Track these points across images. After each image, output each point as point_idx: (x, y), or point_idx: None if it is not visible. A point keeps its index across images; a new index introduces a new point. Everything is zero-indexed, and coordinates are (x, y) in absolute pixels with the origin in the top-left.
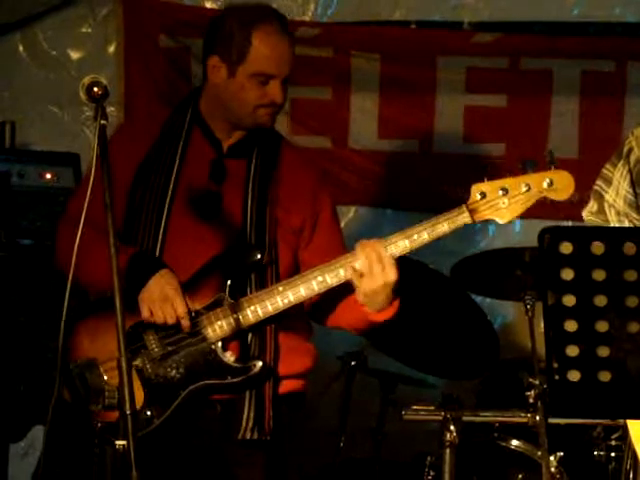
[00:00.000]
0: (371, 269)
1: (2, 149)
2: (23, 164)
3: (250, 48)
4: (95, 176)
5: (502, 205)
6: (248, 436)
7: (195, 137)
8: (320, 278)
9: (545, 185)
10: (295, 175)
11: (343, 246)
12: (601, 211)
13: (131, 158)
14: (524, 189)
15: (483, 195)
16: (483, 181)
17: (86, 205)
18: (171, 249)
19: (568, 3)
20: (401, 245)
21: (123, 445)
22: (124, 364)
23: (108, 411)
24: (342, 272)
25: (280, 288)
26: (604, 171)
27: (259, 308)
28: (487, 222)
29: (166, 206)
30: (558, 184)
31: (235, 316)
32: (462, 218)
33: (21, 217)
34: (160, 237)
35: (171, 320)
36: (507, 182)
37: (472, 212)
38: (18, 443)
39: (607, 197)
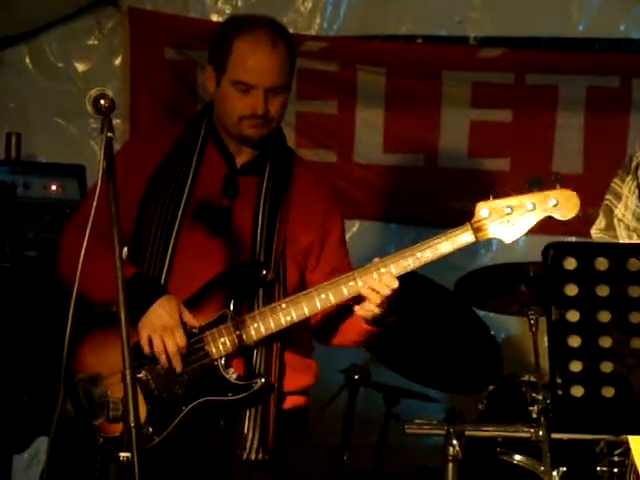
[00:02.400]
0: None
1: (8, 160)
2: (29, 175)
3: (230, 56)
4: (102, 189)
5: (506, 224)
6: (253, 457)
7: (209, 151)
8: (323, 296)
9: (550, 205)
10: (307, 195)
11: (350, 266)
12: (610, 227)
13: (142, 171)
14: (529, 208)
15: (488, 213)
16: (488, 199)
17: (91, 218)
18: (179, 263)
19: (573, 19)
20: (404, 263)
21: (127, 457)
22: (128, 377)
23: (112, 424)
24: (345, 291)
25: (283, 305)
26: (613, 186)
27: (262, 325)
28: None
29: (177, 220)
30: (563, 204)
31: (238, 333)
32: (466, 237)
33: (26, 228)
34: (170, 251)
35: (172, 350)
36: (512, 201)
37: (476, 231)
38: (22, 454)
39: (617, 212)
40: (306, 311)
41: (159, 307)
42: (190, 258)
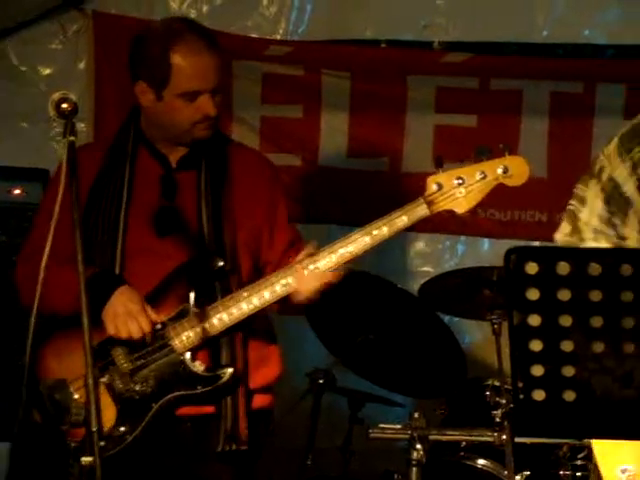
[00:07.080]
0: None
1: None
2: None
3: (171, 70)
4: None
5: (459, 195)
6: (227, 448)
7: (141, 155)
8: (283, 281)
9: (500, 172)
10: (247, 176)
11: (301, 239)
12: (574, 231)
13: (82, 183)
14: (479, 177)
15: (439, 186)
16: (438, 172)
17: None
18: (130, 269)
19: (538, 24)
20: (362, 241)
21: (90, 462)
22: (91, 381)
23: (74, 428)
24: (306, 273)
25: (245, 294)
26: (577, 191)
27: (225, 315)
28: (448, 212)
29: (120, 228)
30: (513, 170)
31: (202, 325)
32: (420, 210)
33: None
34: (118, 259)
35: (137, 335)
36: (462, 172)
37: (429, 204)
38: None
39: (581, 216)
40: (268, 297)
41: (120, 295)
42: (140, 264)
